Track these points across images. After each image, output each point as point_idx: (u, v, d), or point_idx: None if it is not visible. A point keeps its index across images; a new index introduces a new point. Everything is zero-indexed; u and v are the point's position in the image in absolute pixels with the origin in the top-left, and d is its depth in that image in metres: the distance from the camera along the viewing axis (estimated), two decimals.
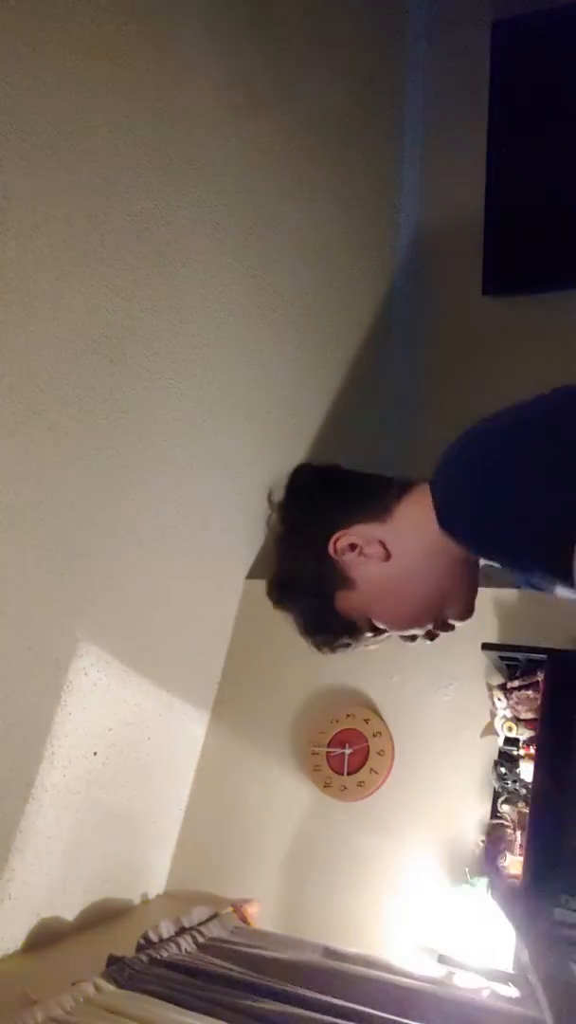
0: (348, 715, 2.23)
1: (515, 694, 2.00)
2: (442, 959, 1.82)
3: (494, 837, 1.91)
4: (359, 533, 1.11)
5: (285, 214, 2.54)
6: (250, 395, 2.47)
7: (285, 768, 2.27)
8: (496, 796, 1.98)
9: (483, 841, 1.95)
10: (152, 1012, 1.51)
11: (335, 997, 1.57)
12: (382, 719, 2.20)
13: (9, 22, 1.62)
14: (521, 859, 1.82)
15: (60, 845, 1.92)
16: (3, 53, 1.61)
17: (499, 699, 2.02)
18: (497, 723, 2.03)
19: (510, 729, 2.00)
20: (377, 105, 3.05)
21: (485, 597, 2.16)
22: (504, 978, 1.71)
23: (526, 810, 1.88)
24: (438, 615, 1.19)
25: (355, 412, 3.02)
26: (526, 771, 1.94)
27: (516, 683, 2.01)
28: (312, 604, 1.20)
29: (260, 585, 2.53)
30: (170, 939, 1.79)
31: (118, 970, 1.65)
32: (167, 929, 1.81)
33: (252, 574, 2.55)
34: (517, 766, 1.98)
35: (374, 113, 3.03)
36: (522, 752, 1.97)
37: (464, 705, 2.12)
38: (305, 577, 1.18)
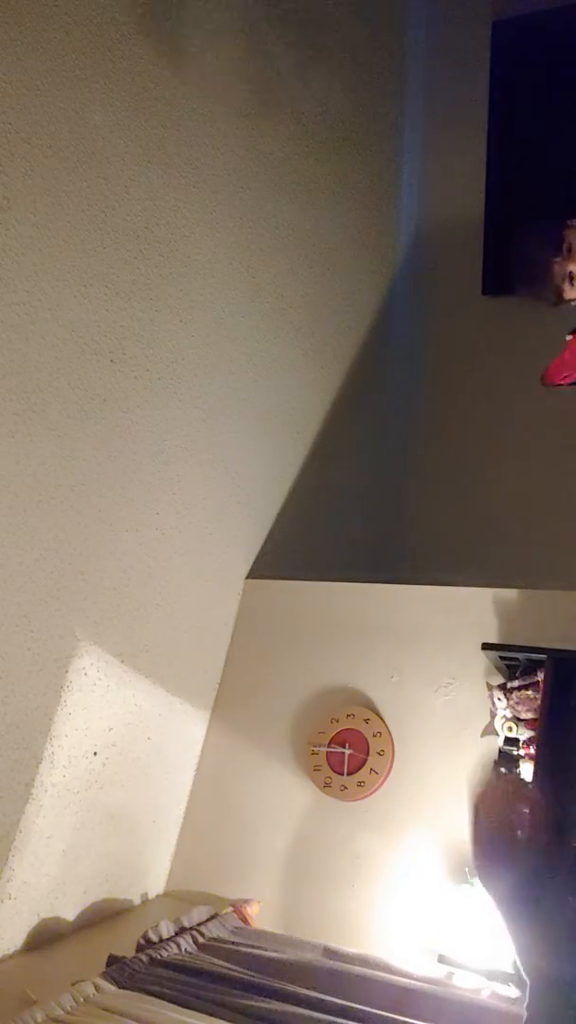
0: (348, 715, 2.23)
1: (515, 694, 2.00)
2: (442, 959, 1.82)
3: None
4: None
5: (285, 214, 2.54)
6: (250, 395, 2.47)
7: (285, 768, 2.27)
8: None
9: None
10: (152, 1012, 1.51)
11: (335, 997, 1.57)
12: (382, 719, 2.20)
13: (9, 23, 1.62)
14: None
15: (60, 845, 1.92)
16: (3, 53, 1.61)
17: (499, 699, 2.02)
18: (497, 723, 2.03)
19: (510, 729, 2.00)
20: (377, 105, 3.06)
21: (485, 597, 2.18)
22: (504, 978, 1.71)
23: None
24: None
25: (355, 412, 3.02)
26: (526, 771, 1.94)
27: (516, 683, 2.01)
28: None
29: (260, 585, 2.55)
30: (170, 939, 1.79)
31: (118, 970, 1.65)
32: (167, 929, 1.81)
33: (252, 574, 2.55)
34: (517, 766, 1.97)
35: (374, 113, 3.03)
36: (522, 752, 1.97)
37: (464, 705, 2.12)
38: None
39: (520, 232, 2.21)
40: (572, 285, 2.03)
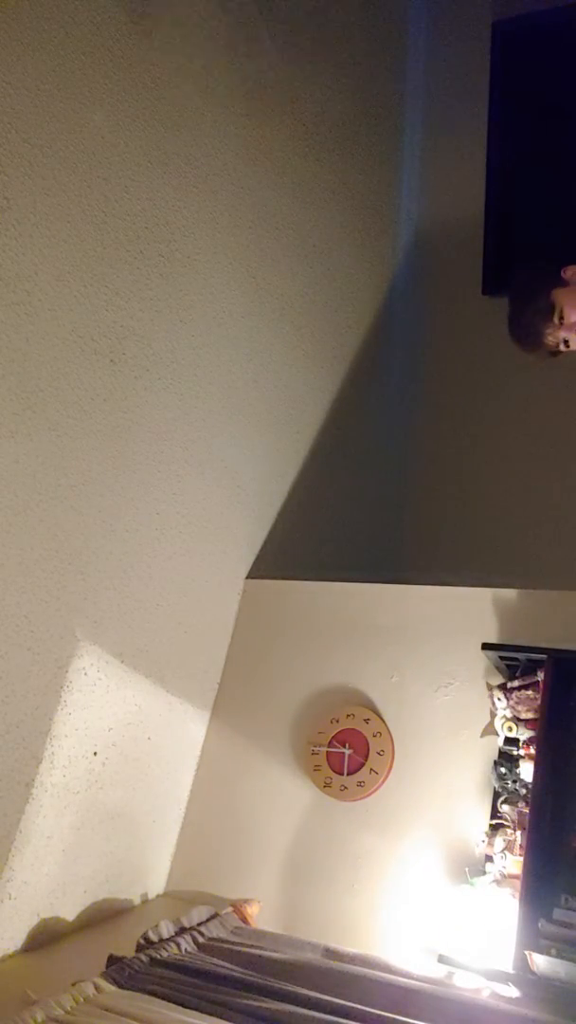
0: (348, 715, 2.23)
1: (515, 694, 2.00)
2: (442, 959, 1.81)
3: None
4: None
5: (285, 214, 2.54)
6: (250, 395, 2.47)
7: (285, 768, 2.27)
8: (496, 796, 1.98)
9: (483, 841, 1.95)
10: (152, 1012, 1.51)
11: (335, 997, 1.57)
12: (382, 719, 2.20)
13: (9, 22, 1.62)
14: (521, 859, 1.82)
15: (60, 845, 1.92)
16: (3, 53, 1.61)
17: (499, 699, 2.02)
18: (497, 723, 2.03)
19: (510, 729, 2.00)
20: (377, 106, 3.06)
21: (485, 597, 2.18)
22: (504, 978, 1.71)
23: (526, 810, 1.88)
24: None
25: (355, 412, 3.02)
26: (526, 771, 1.94)
27: (516, 683, 2.01)
28: None
29: (260, 585, 2.56)
30: (170, 939, 1.79)
31: (118, 970, 1.65)
32: (167, 929, 1.81)
33: (252, 574, 2.55)
34: (517, 766, 1.97)
35: (374, 113, 3.04)
36: (522, 752, 1.97)
37: (464, 705, 2.12)
38: None
39: (514, 292, 2.28)
40: (567, 348, 2.10)
